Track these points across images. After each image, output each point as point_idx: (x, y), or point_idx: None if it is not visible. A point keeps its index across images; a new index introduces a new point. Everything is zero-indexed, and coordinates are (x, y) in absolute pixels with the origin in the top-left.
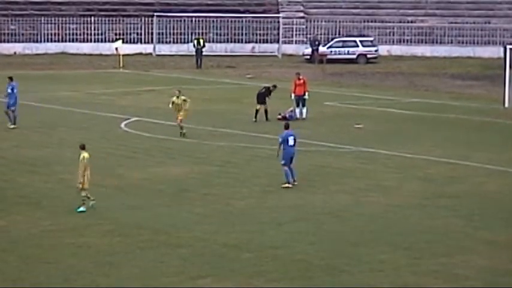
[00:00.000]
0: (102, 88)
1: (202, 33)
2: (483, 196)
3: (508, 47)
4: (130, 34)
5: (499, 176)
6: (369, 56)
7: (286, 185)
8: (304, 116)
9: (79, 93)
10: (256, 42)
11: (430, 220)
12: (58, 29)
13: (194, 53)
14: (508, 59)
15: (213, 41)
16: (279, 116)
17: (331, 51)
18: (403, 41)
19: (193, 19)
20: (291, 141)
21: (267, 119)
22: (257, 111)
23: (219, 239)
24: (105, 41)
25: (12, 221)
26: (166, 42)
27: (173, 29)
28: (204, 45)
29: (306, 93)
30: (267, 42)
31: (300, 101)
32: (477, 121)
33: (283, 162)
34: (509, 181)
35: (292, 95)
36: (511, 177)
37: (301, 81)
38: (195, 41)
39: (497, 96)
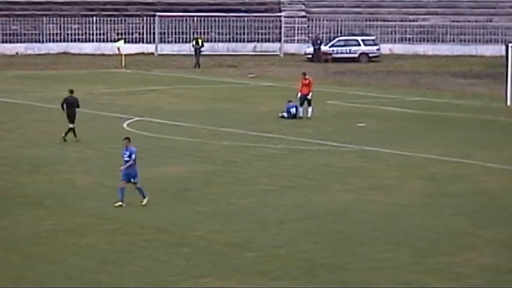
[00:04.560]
0: (104, 88)
1: (204, 32)
2: (485, 194)
3: (510, 45)
4: (132, 34)
5: (501, 175)
6: (370, 54)
7: (120, 203)
8: (309, 115)
9: (81, 93)
10: (258, 41)
11: (432, 219)
12: (60, 29)
13: (193, 53)
14: (510, 57)
15: (214, 41)
16: (280, 115)
17: (333, 50)
18: (405, 40)
19: (195, 19)
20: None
21: (75, 135)
22: (72, 129)
23: (221, 238)
24: (107, 41)
25: (15, 220)
26: (168, 42)
27: (175, 28)
28: (202, 45)
29: (310, 93)
30: (268, 41)
31: (306, 100)
32: (479, 119)
33: (137, 179)
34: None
35: (299, 94)
36: None
37: (307, 81)
38: (194, 41)
39: (499, 94)
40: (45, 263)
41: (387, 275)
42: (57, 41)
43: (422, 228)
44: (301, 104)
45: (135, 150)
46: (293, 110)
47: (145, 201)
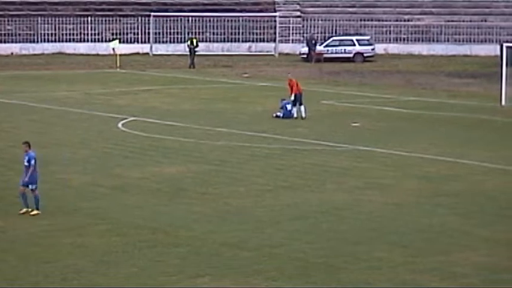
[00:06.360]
0: (99, 88)
1: (199, 32)
2: (481, 194)
3: (505, 45)
4: (127, 34)
5: (496, 174)
6: (365, 54)
7: (24, 210)
8: (303, 115)
9: (76, 93)
10: (252, 41)
11: (427, 218)
12: (55, 29)
13: (188, 53)
14: (505, 57)
15: (209, 41)
16: (274, 115)
17: (328, 50)
18: (400, 40)
19: (190, 19)
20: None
21: None
22: None
23: (217, 238)
24: (102, 41)
25: (10, 221)
26: (163, 42)
27: (170, 28)
28: (197, 45)
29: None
30: (263, 41)
31: (297, 99)
32: (474, 119)
33: (35, 186)
34: (507, 179)
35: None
36: (508, 175)
37: (291, 82)
38: (189, 41)
39: (494, 94)
40: (40, 263)
41: (382, 275)
42: (52, 41)
43: (418, 228)
44: (295, 104)
45: (34, 155)
46: (289, 106)
47: (34, 212)
